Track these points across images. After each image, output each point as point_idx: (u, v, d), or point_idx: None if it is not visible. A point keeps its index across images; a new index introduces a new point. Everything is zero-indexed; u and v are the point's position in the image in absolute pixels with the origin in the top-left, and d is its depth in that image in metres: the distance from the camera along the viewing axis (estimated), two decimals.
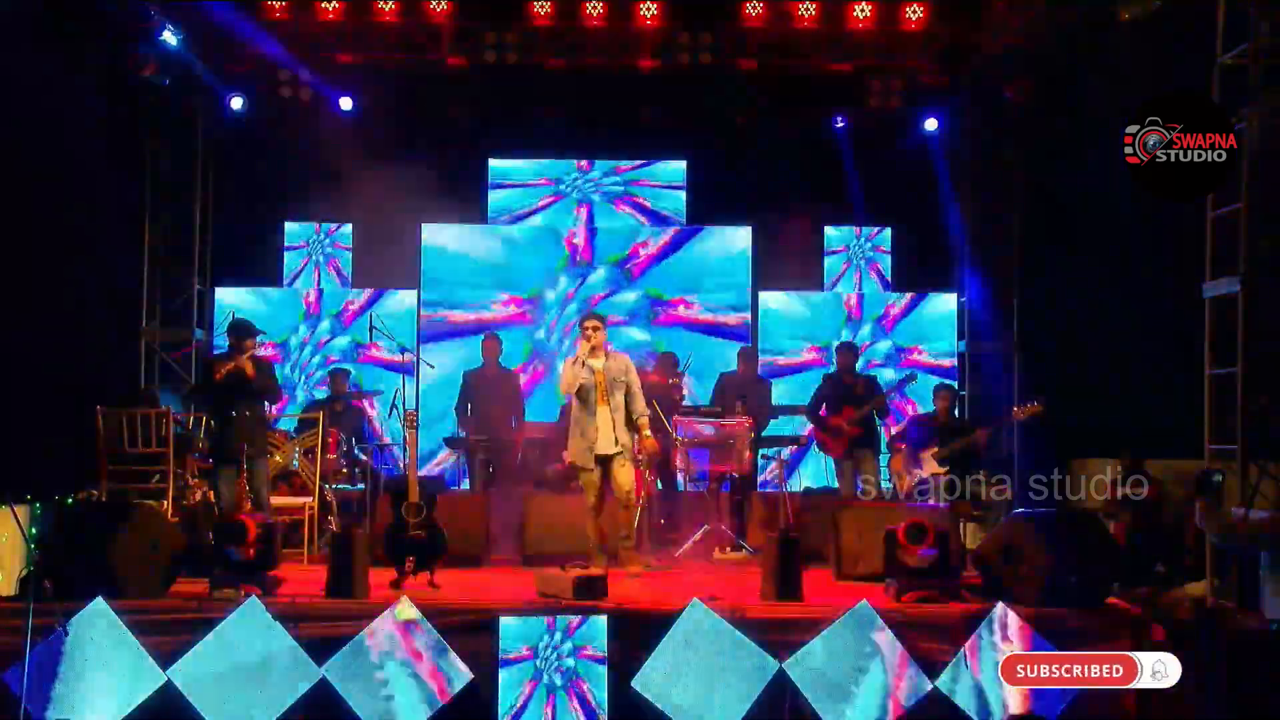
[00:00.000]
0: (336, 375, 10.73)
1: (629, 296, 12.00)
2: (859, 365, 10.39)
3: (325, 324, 11.85)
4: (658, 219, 12.05)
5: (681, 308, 11.97)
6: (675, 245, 12.02)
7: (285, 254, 11.88)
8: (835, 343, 11.05)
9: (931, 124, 11.41)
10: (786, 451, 10.28)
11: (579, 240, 12.01)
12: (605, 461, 8.07)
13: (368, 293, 11.89)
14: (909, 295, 11.98)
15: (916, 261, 12.00)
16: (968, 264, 11.82)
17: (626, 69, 11.08)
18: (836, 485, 10.19)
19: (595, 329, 8.15)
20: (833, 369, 10.44)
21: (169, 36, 10.42)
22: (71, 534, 7.10)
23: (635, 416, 8.18)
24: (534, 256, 11.98)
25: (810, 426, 10.48)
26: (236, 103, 11.23)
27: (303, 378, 11.75)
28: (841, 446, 9.88)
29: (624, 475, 8.06)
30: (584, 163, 12.08)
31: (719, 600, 6.74)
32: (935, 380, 10.73)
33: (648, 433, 8.25)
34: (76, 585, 6.63)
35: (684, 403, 10.14)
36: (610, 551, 8.15)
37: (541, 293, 11.98)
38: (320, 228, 11.88)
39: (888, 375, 11.21)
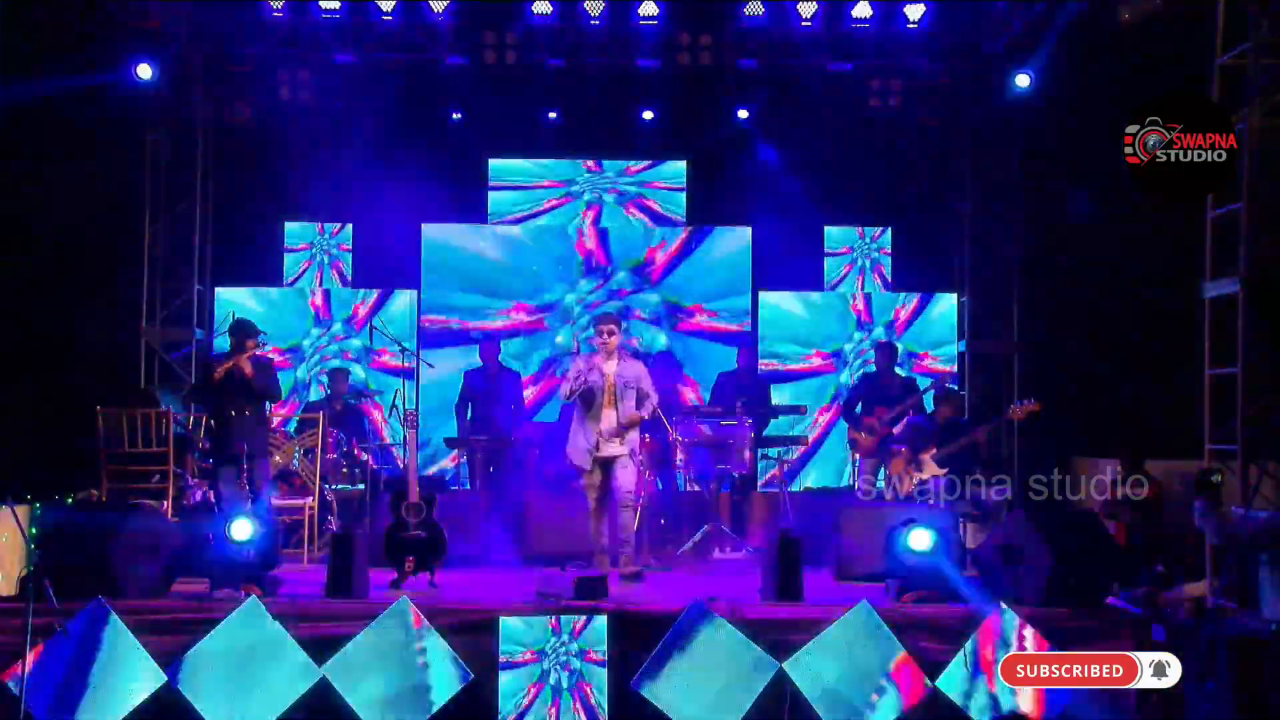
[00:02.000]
0: (336, 375, 10.74)
1: (651, 299, 11.91)
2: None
3: (336, 325, 11.79)
4: (664, 221, 11.99)
5: (699, 316, 11.86)
6: (687, 250, 11.94)
7: (289, 254, 11.82)
8: (879, 340, 11.04)
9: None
10: (795, 451, 10.25)
11: (590, 244, 11.92)
12: (607, 464, 7.99)
13: (374, 293, 11.83)
14: (916, 296, 11.89)
15: (917, 261, 11.98)
16: (968, 264, 11.81)
17: (626, 69, 11.08)
18: (842, 485, 10.18)
19: (610, 332, 8.01)
20: (872, 368, 10.44)
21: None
22: (71, 534, 7.10)
23: (637, 410, 8.01)
24: (547, 262, 11.86)
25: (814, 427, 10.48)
26: (236, 108, 11.21)
27: (312, 378, 11.70)
28: (871, 446, 9.86)
29: (626, 476, 7.97)
30: (591, 164, 12.00)
31: (719, 600, 6.74)
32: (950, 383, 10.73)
33: (636, 418, 8.00)
34: (76, 585, 6.63)
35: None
36: (611, 553, 8.10)
37: (560, 298, 11.87)
38: (324, 228, 11.83)
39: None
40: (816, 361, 11.76)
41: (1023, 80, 10.79)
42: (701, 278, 11.90)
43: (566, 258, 11.90)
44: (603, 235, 11.93)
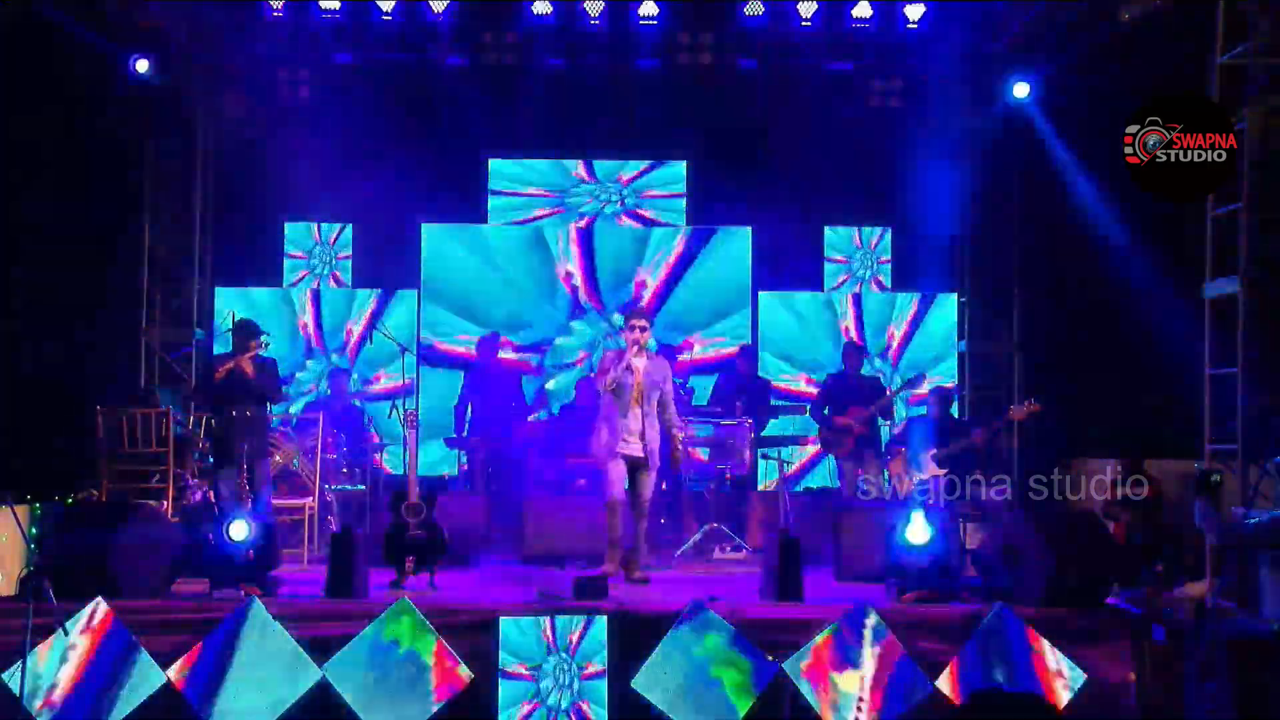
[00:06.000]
0: (336, 375, 10.75)
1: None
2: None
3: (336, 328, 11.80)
4: (659, 225, 11.93)
5: (691, 350, 11.64)
6: (676, 276, 11.86)
7: (288, 260, 11.78)
8: (846, 342, 11.03)
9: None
10: (798, 452, 10.20)
11: (578, 282, 11.80)
12: (631, 464, 7.91)
13: (373, 295, 11.79)
14: (914, 304, 11.87)
15: (917, 262, 11.96)
16: (968, 264, 11.81)
17: (626, 69, 11.08)
18: (838, 485, 10.19)
19: (642, 329, 7.91)
20: (840, 368, 10.43)
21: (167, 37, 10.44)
22: (71, 534, 7.10)
23: (670, 427, 8.04)
24: (536, 301, 11.77)
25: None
26: (235, 104, 11.21)
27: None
28: (846, 446, 9.87)
29: (645, 484, 7.93)
30: (586, 174, 11.91)
31: (719, 600, 6.74)
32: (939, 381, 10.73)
33: (680, 448, 8.10)
34: (76, 585, 6.63)
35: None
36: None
37: (550, 338, 11.75)
38: (321, 236, 11.79)
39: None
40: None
41: (1021, 89, 10.91)
42: (697, 299, 11.81)
43: (564, 301, 11.79)
44: (593, 272, 11.82)
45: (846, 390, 10.01)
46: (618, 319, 10.65)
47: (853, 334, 11.67)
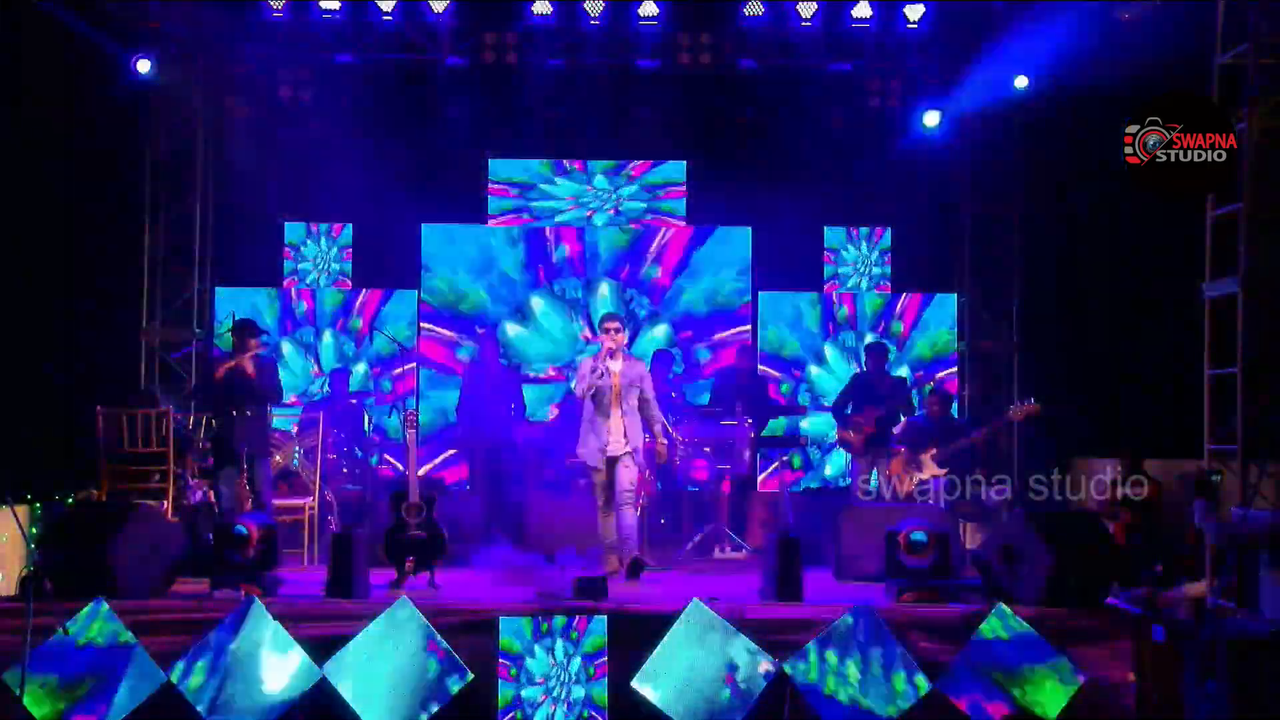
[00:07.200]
0: (336, 375, 10.75)
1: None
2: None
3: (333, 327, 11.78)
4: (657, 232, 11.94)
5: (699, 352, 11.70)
6: (675, 277, 11.85)
7: (288, 261, 11.77)
8: (870, 342, 10.99)
9: (932, 119, 11.30)
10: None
11: (584, 332, 11.82)
12: (613, 462, 8.05)
13: (371, 294, 11.79)
14: (913, 303, 11.87)
15: (917, 262, 11.96)
16: (968, 264, 11.81)
17: (626, 69, 11.08)
18: (842, 485, 10.20)
19: (616, 330, 8.08)
20: (862, 369, 10.44)
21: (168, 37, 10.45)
22: (71, 534, 7.11)
23: (652, 424, 8.16)
24: (562, 342, 11.81)
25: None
26: (235, 104, 11.21)
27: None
28: (860, 445, 9.87)
29: (626, 475, 8.02)
30: (586, 177, 11.88)
31: (719, 600, 6.75)
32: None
33: (664, 440, 8.21)
34: (76, 585, 6.64)
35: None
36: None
37: (573, 358, 11.73)
38: (321, 237, 11.77)
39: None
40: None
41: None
42: (696, 300, 11.81)
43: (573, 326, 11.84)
44: (590, 305, 11.81)
45: (866, 390, 10.00)
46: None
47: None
